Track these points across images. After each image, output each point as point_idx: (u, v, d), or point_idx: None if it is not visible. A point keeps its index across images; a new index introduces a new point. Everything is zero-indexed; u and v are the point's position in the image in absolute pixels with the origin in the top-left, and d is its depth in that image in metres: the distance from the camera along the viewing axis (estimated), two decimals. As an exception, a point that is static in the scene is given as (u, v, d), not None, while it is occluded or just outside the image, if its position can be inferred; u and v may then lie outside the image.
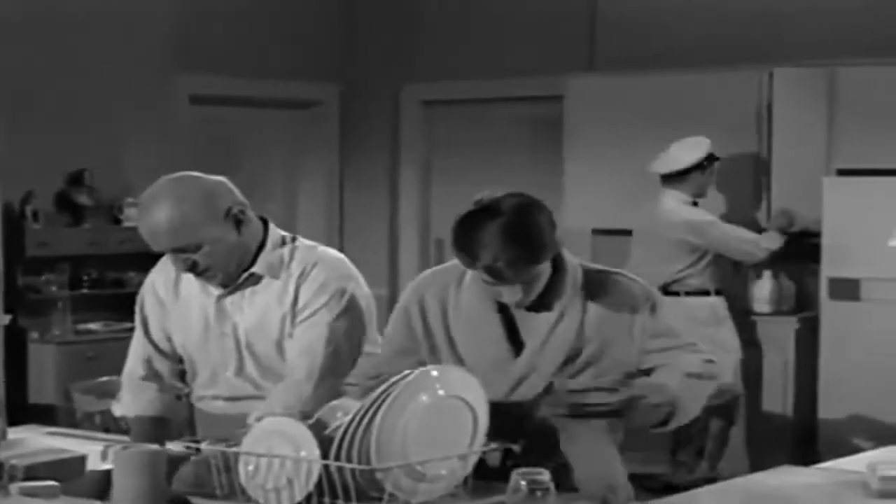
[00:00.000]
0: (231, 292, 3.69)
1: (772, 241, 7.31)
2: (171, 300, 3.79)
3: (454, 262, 3.35)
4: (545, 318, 3.32)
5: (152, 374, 3.84)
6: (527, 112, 9.10)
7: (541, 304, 3.32)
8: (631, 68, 8.25)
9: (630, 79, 8.12)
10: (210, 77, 8.76)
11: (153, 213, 3.53)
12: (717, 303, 7.29)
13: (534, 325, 3.33)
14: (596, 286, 3.35)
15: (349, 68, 9.59)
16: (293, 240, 3.72)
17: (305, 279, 3.64)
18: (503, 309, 3.35)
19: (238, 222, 3.61)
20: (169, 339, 3.83)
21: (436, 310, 3.40)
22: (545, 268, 3.27)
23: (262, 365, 3.70)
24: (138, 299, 3.89)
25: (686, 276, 7.26)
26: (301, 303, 3.63)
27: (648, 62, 8.22)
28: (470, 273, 3.32)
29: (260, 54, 9.04)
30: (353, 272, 3.72)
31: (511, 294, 3.24)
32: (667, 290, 7.25)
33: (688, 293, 7.24)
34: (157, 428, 3.76)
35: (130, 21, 8.32)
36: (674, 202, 7.27)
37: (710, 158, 7.28)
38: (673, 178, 7.28)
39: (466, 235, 3.20)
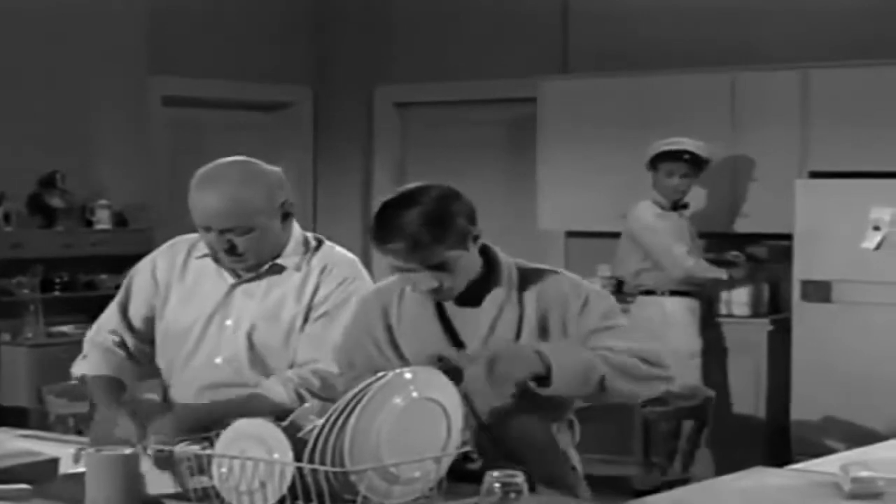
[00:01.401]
0: (248, 280, 3.75)
1: (708, 271, 7.27)
2: (176, 283, 3.84)
3: (392, 278, 3.46)
4: (484, 317, 3.37)
5: (119, 345, 3.89)
6: (500, 114, 9.10)
7: (473, 297, 3.38)
8: (603, 70, 8.27)
9: (603, 81, 8.14)
10: (183, 79, 8.74)
11: (213, 190, 3.61)
12: (690, 304, 7.28)
13: (472, 325, 3.39)
14: (532, 283, 3.41)
15: (322, 70, 9.58)
16: (318, 241, 3.83)
17: (327, 276, 3.74)
18: (441, 311, 3.42)
19: (286, 216, 3.72)
20: (149, 320, 3.88)
21: (381, 329, 3.46)
22: (468, 259, 3.32)
23: (256, 355, 3.74)
24: (128, 276, 3.95)
25: (648, 273, 7.26)
26: (319, 297, 3.72)
27: (621, 64, 8.23)
28: (408, 287, 3.40)
29: (233, 56, 9.02)
30: (366, 274, 3.81)
31: (426, 281, 3.30)
32: (643, 290, 7.27)
33: (662, 293, 7.25)
34: (116, 389, 3.79)
35: (103, 22, 8.28)
36: (644, 203, 7.25)
37: (662, 157, 7.20)
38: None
39: (386, 217, 3.28)
